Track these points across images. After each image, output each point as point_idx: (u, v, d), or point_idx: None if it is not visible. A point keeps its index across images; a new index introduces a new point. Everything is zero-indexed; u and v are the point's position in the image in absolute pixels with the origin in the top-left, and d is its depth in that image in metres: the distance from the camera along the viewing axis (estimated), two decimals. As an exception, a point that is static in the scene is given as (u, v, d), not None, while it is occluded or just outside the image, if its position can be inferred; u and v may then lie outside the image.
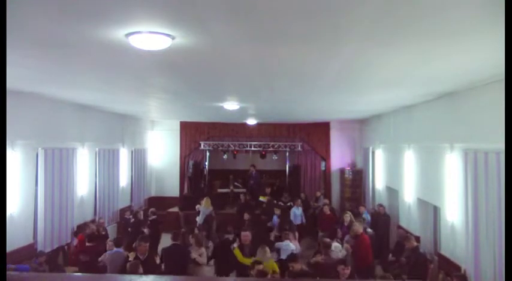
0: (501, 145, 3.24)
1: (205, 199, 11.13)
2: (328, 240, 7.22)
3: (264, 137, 14.82)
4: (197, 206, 11.29)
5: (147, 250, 6.44)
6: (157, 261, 7.07)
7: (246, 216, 9.94)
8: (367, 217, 9.91)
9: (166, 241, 9.27)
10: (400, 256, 7.86)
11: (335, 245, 7.48)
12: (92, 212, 10.05)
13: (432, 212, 8.17)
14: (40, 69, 5.02)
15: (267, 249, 6.62)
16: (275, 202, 12.17)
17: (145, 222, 9.76)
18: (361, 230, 7.63)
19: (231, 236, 7.92)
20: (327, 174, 14.72)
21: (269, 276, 5.58)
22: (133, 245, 7.01)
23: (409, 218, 8.94)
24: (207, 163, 15.31)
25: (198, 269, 6.99)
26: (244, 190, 14.08)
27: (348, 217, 8.80)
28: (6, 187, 6.28)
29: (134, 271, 5.40)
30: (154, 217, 10.18)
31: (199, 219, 10.54)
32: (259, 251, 6.43)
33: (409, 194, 8.97)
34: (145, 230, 8.80)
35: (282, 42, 3.72)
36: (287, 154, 15.13)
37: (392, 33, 3.40)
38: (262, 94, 7.35)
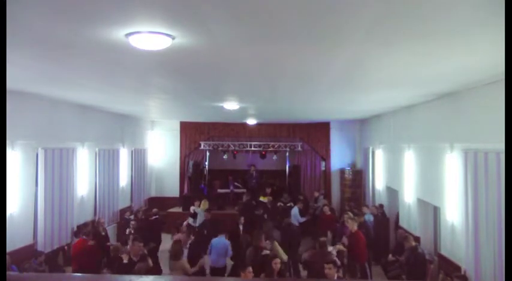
0: (501, 145, 3.25)
1: (203, 201, 10.89)
2: (324, 239, 7.25)
3: (264, 137, 14.83)
4: (192, 208, 11.06)
5: (141, 251, 6.27)
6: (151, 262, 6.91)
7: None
8: (369, 217, 9.87)
9: (166, 241, 9.31)
10: (400, 257, 7.86)
11: (330, 247, 7.50)
12: (92, 212, 10.05)
13: (432, 212, 8.17)
14: (40, 69, 5.02)
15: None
16: (281, 204, 12.17)
17: (148, 222, 9.76)
18: (355, 227, 7.64)
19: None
20: (327, 174, 14.73)
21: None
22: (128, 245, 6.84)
23: (409, 218, 8.94)
24: (207, 163, 15.31)
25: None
26: (244, 190, 14.08)
27: (348, 216, 8.79)
28: (6, 187, 6.28)
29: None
30: (156, 217, 10.16)
31: (192, 221, 10.35)
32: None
33: (409, 194, 8.96)
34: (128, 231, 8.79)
35: (282, 42, 3.72)
36: (287, 154, 15.13)
37: (393, 34, 3.40)
38: (263, 94, 7.35)
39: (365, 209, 10.30)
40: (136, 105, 9.40)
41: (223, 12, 2.93)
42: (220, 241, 7.79)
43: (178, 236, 8.11)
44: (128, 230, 9.27)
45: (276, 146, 14.74)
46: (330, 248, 7.08)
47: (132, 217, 10.44)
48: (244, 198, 12.63)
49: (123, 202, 11.91)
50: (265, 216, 10.87)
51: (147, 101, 8.86)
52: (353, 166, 14.17)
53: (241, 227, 9.57)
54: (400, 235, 8.69)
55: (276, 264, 5.80)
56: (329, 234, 10.04)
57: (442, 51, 3.96)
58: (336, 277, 5.67)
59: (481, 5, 2.73)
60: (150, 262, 6.34)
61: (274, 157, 15.19)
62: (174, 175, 14.82)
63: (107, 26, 3.24)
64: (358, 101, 8.14)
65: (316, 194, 13.33)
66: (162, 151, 14.93)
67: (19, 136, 6.98)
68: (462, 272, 6.07)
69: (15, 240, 6.81)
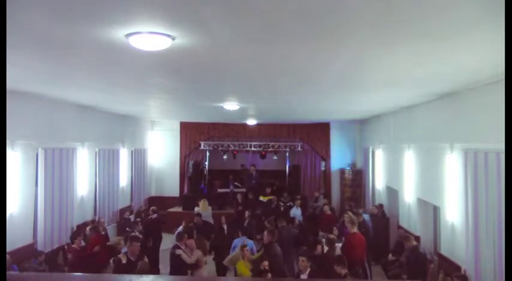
0: (501, 145, 3.25)
1: (202, 201, 10.92)
2: (332, 236, 7.28)
3: (264, 137, 14.84)
4: (196, 209, 11.04)
5: (139, 251, 6.24)
6: (159, 263, 6.94)
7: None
8: (365, 216, 9.87)
9: (166, 241, 9.30)
10: (400, 256, 7.87)
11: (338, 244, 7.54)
12: (92, 212, 10.05)
13: (432, 212, 8.17)
14: (40, 69, 5.02)
15: None
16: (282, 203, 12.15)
17: (148, 221, 9.74)
18: (354, 229, 7.60)
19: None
20: (327, 174, 14.73)
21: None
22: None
23: (409, 218, 8.94)
24: (207, 163, 15.31)
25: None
26: (244, 190, 14.07)
27: (348, 217, 8.78)
28: (6, 187, 6.28)
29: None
30: (155, 215, 10.12)
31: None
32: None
33: (409, 194, 8.97)
34: (137, 230, 8.77)
35: (282, 42, 3.72)
36: (287, 154, 15.13)
37: (393, 33, 3.40)
38: (263, 94, 7.35)
39: (360, 211, 10.29)
40: (137, 105, 9.40)
41: (223, 12, 2.93)
42: (243, 240, 7.78)
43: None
44: (128, 230, 9.22)
45: (276, 146, 14.75)
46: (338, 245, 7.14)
47: (131, 217, 10.41)
48: (239, 198, 12.54)
49: (123, 202, 11.92)
50: (248, 214, 10.75)
51: (147, 101, 8.86)
52: (353, 166, 14.17)
53: (225, 227, 9.59)
54: (400, 234, 8.70)
55: (265, 267, 5.86)
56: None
57: (442, 51, 3.96)
58: (308, 271, 5.81)
59: (481, 5, 2.73)
60: (146, 260, 6.32)
61: (274, 157, 15.20)
62: (174, 175, 14.83)
63: (107, 26, 3.24)
64: (358, 101, 8.14)
65: (316, 194, 13.34)
66: (162, 151, 14.94)
67: (19, 136, 6.98)
68: (462, 272, 6.07)
69: (15, 240, 6.80)
